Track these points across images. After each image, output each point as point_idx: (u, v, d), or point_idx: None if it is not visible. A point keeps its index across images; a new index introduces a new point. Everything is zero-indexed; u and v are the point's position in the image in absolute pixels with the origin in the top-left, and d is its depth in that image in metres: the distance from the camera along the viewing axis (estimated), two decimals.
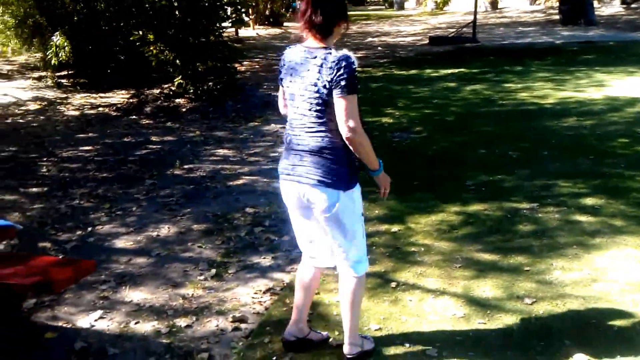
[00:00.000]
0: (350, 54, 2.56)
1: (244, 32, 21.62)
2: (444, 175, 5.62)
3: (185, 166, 6.25)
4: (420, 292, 3.53)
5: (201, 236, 4.52)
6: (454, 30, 19.04)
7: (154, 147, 7.08)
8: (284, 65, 2.75)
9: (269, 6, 26.32)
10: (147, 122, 8.40)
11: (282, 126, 7.76)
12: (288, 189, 2.75)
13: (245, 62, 13.20)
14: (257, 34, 22.89)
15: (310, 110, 2.61)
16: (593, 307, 3.28)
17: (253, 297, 3.60)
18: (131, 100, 9.43)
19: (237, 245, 4.32)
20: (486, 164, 5.74)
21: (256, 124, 8.03)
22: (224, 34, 10.10)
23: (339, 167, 2.63)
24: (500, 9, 28.15)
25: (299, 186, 2.68)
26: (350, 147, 2.60)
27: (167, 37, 9.01)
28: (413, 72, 12.17)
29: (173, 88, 9.24)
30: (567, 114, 7.73)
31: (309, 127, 2.63)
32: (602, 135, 6.70)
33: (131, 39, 9.25)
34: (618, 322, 3.13)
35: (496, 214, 4.65)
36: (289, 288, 3.64)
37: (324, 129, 2.60)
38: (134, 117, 8.72)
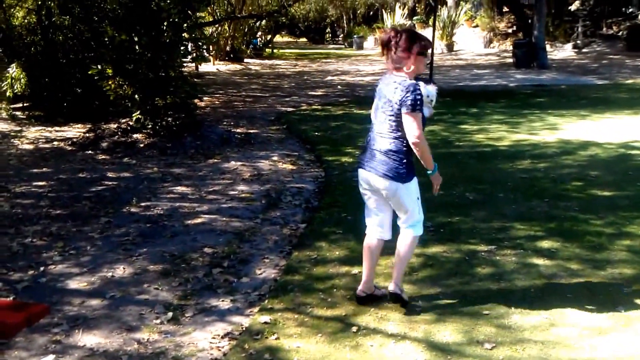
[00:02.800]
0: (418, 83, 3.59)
1: (204, 68, 21.61)
2: None
3: (142, 204, 6.13)
4: (381, 337, 3.50)
5: (157, 277, 4.42)
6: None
7: (110, 183, 6.94)
8: (378, 85, 3.76)
9: (229, 42, 26.45)
10: (104, 157, 8.25)
11: (242, 163, 7.74)
12: (364, 175, 3.74)
13: (205, 98, 13.15)
14: (217, 69, 22.92)
15: (385, 121, 3.61)
16: (552, 352, 3.31)
17: (211, 342, 3.52)
18: (87, 134, 9.26)
19: (195, 287, 4.23)
20: (445, 205, 5.80)
21: (215, 161, 7.97)
22: (184, 69, 10.06)
23: (398, 166, 3.61)
24: (455, 51, 28.91)
25: (369, 174, 3.68)
26: (415, 151, 3.55)
27: (126, 71, 8.92)
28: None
29: (131, 123, 9.12)
30: (521, 157, 7.91)
31: (382, 134, 3.63)
32: (556, 178, 6.86)
33: (89, 72, 9.13)
34: None
35: (455, 256, 4.68)
36: (248, 333, 3.57)
37: (393, 136, 3.58)
38: (89, 152, 8.55)
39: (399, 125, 3.55)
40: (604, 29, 28.08)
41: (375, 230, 3.88)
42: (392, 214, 3.87)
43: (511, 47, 23.70)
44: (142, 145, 8.59)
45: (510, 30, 29.65)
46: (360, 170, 3.77)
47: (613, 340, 3.41)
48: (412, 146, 3.52)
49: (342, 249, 4.85)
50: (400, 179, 3.61)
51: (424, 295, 4.02)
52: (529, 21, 22.47)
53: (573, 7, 29.12)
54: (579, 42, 26.75)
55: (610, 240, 4.92)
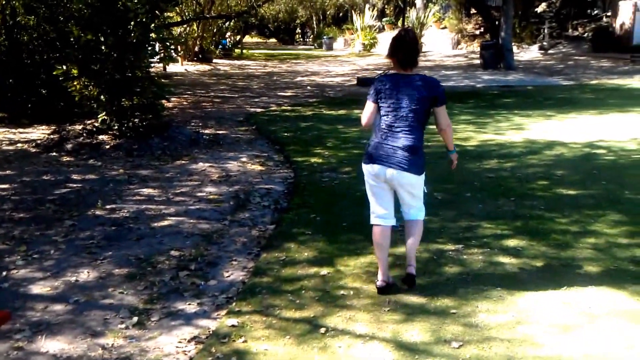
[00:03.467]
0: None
1: (172, 68, 21.43)
2: None
3: (108, 206, 6.03)
4: (349, 338, 3.49)
5: (123, 281, 4.34)
6: (382, 71, 19.50)
7: (75, 185, 6.82)
8: (383, 87, 3.95)
9: (198, 43, 26.26)
10: (68, 159, 8.11)
11: (210, 164, 7.67)
12: (381, 172, 3.92)
13: (173, 99, 13.03)
14: (185, 70, 22.75)
15: (407, 117, 3.87)
16: (518, 350, 3.33)
17: (177, 347, 3.47)
18: (52, 136, 9.09)
19: (161, 291, 4.17)
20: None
21: (183, 162, 7.89)
22: (152, 70, 9.95)
23: (419, 160, 3.92)
24: (424, 52, 29.12)
25: (390, 170, 3.89)
26: (445, 136, 4.04)
27: (91, 72, 8.79)
28: (342, 112, 12.33)
29: (96, 124, 8.98)
30: (488, 157, 7.99)
31: (404, 130, 3.88)
32: (522, 177, 6.94)
33: (54, 73, 8.97)
34: None
35: (423, 255, 4.69)
36: (215, 336, 3.53)
37: (415, 132, 3.90)
38: (54, 154, 8.40)
39: (421, 121, 3.89)
40: (570, 30, 28.58)
41: (389, 219, 4.09)
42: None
43: (479, 49, 23.98)
44: (107, 146, 8.46)
45: (477, 32, 30.01)
46: (376, 166, 3.93)
47: (578, 338, 3.45)
48: (445, 131, 4.00)
49: (311, 250, 4.84)
50: (421, 172, 3.97)
51: (392, 295, 4.02)
52: (496, 23, 22.74)
53: (539, 9, 29.58)
54: (545, 43, 27.18)
55: (576, 238, 4.99)
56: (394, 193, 4.06)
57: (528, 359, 3.24)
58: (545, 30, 27.60)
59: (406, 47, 3.88)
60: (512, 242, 4.93)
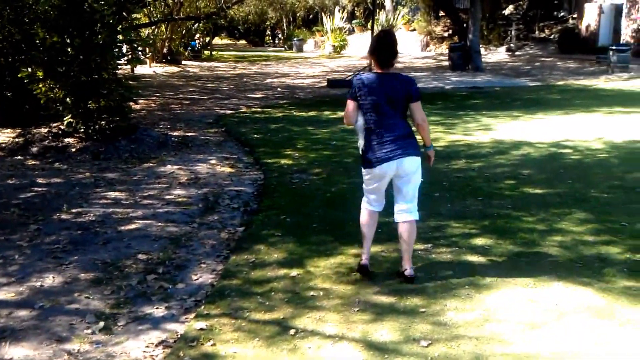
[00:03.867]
0: None
1: (140, 70, 21.20)
2: (343, 217, 5.65)
3: (74, 210, 5.93)
4: (318, 339, 3.48)
5: (89, 286, 4.27)
6: (351, 73, 19.57)
7: (40, 189, 6.69)
8: (364, 86, 4.13)
9: (166, 44, 26.04)
10: (33, 162, 7.96)
11: (179, 167, 7.60)
12: (388, 169, 4.11)
13: (140, 101, 12.90)
14: (154, 71, 22.53)
15: (397, 111, 4.12)
16: (486, 348, 3.36)
17: (144, 351, 3.42)
18: (17, 139, 8.91)
19: (128, 295, 4.11)
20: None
21: (151, 164, 7.80)
22: (119, 72, 9.83)
23: (417, 143, 4.19)
24: None
25: (403, 160, 4.07)
26: (421, 131, 4.18)
27: (57, 74, 8.64)
28: (312, 113, 12.34)
29: (62, 127, 8.83)
30: (456, 157, 8.06)
31: (396, 122, 4.11)
32: (489, 177, 7.01)
33: (19, 75, 8.80)
34: None
35: (392, 255, 4.71)
36: (184, 340, 3.49)
37: (405, 121, 4.16)
38: (19, 157, 8.23)
39: (402, 114, 4.15)
40: (537, 32, 29.03)
41: (376, 206, 4.38)
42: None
43: (447, 51, 24.22)
44: (73, 149, 8.32)
45: (446, 34, 30.29)
46: (383, 166, 4.11)
47: (546, 335, 3.49)
48: (422, 125, 4.16)
49: (280, 252, 4.82)
50: (420, 152, 4.21)
51: (361, 295, 4.02)
52: (464, 25, 23.01)
53: (507, 12, 29.98)
54: (512, 45, 27.56)
55: (542, 236, 5.05)
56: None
57: (496, 357, 3.27)
58: (512, 32, 27.99)
59: (386, 47, 4.12)
60: (480, 241, 4.97)
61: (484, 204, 5.99)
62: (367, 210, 4.38)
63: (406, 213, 4.24)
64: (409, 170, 4.13)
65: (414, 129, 4.20)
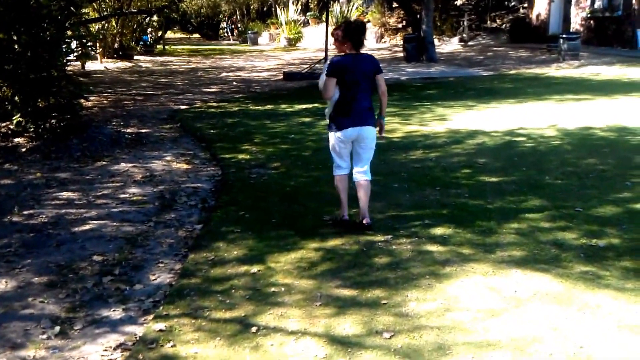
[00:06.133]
0: None
1: (91, 66, 20.74)
2: (302, 211, 5.63)
3: (25, 212, 5.75)
4: (281, 336, 3.44)
5: (43, 290, 4.14)
6: (307, 66, 19.52)
7: None
8: (342, 65, 4.91)
9: (118, 39, 25.51)
10: None
11: (133, 165, 7.44)
12: (357, 131, 4.95)
13: (92, 98, 12.59)
14: (105, 67, 22.05)
15: (367, 86, 4.96)
16: (448, 337, 3.37)
17: (102, 355, 3.33)
18: None
19: (84, 298, 3.99)
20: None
21: (104, 163, 7.60)
22: (69, 68, 9.57)
23: (373, 115, 5.07)
24: None
25: (363, 128, 4.95)
26: (383, 100, 5.07)
27: (4, 72, 8.36)
28: (269, 107, 12.25)
29: (11, 127, 8.55)
30: (414, 147, 8.11)
31: (365, 96, 4.97)
32: (446, 166, 7.07)
33: None
34: (473, 351, 3.23)
35: (353, 247, 4.70)
36: (142, 342, 3.41)
37: (370, 96, 5.00)
38: None
39: (371, 88, 4.96)
40: (488, 22, 29.46)
41: (348, 169, 5.14)
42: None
43: (401, 42, 24.38)
44: (24, 149, 8.07)
45: (400, 26, 30.48)
46: (349, 130, 4.94)
47: (506, 322, 3.53)
48: (385, 94, 5.04)
49: (240, 248, 4.75)
50: (374, 123, 5.09)
51: (323, 289, 4.00)
52: (418, 16, 23.16)
53: (459, 2, 30.32)
54: (464, 35, 27.91)
55: (499, 224, 5.12)
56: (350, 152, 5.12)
57: (458, 346, 3.29)
58: (465, 23, 28.34)
59: (358, 31, 4.96)
60: (439, 231, 5.00)
61: (442, 193, 6.03)
62: (339, 175, 5.13)
63: (364, 174, 5.09)
64: (369, 136, 4.99)
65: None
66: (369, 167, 5.12)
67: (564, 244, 4.66)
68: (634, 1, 22.04)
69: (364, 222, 5.01)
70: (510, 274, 4.16)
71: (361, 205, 5.07)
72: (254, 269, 4.36)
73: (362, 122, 4.94)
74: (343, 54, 4.99)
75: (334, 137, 5.05)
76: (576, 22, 25.14)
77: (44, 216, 5.62)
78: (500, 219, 5.25)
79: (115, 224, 5.39)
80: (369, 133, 5.00)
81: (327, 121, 5.16)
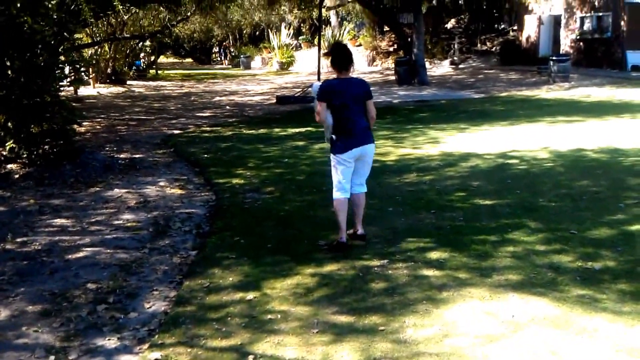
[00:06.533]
0: None
1: (84, 91, 20.76)
2: (298, 235, 5.61)
3: (18, 239, 5.70)
4: None
5: (37, 318, 4.09)
6: (300, 89, 19.62)
7: None
8: (334, 89, 5.11)
9: (110, 64, 25.59)
10: None
11: (127, 190, 7.41)
12: (361, 150, 5.13)
13: (85, 123, 12.60)
14: (98, 92, 22.09)
15: (360, 108, 5.16)
16: None
17: None
18: None
19: (78, 327, 3.95)
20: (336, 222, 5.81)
21: (98, 189, 7.57)
22: (62, 94, 9.57)
23: (371, 133, 5.28)
24: None
25: (366, 146, 5.15)
26: (372, 123, 5.28)
27: None
28: (262, 131, 12.28)
29: (4, 153, 8.52)
30: (407, 170, 8.13)
31: (360, 117, 5.16)
32: (440, 189, 7.08)
33: None
34: None
35: (349, 273, 4.68)
36: None
37: (365, 116, 5.21)
38: None
39: (363, 110, 5.17)
40: (479, 45, 29.77)
41: (348, 192, 5.24)
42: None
43: (393, 65, 24.58)
44: (17, 176, 8.04)
45: (391, 49, 30.76)
46: (354, 150, 5.11)
47: (504, 347, 3.50)
48: (373, 119, 5.26)
49: (236, 275, 4.72)
50: (374, 141, 5.33)
51: (320, 316, 3.97)
52: (409, 40, 23.38)
53: (449, 25, 30.66)
54: (455, 58, 28.17)
55: (495, 247, 5.11)
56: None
57: None
58: (455, 46, 28.64)
59: (343, 55, 5.13)
60: (435, 255, 4.99)
61: (437, 216, 6.03)
62: (340, 199, 5.20)
63: (361, 187, 5.33)
64: (370, 153, 5.24)
65: None
66: (366, 179, 5.40)
67: (560, 267, 4.65)
68: (622, 23, 22.36)
69: (358, 232, 5.30)
70: (507, 298, 4.14)
71: (357, 217, 5.33)
72: (250, 295, 4.33)
73: (364, 140, 5.15)
74: (335, 77, 5.19)
75: (339, 159, 5.15)
76: (566, 44, 25.44)
77: (37, 243, 5.58)
78: (495, 242, 5.25)
79: (109, 251, 5.35)
80: (370, 150, 5.24)
81: (328, 145, 5.32)
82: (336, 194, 5.21)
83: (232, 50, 46.18)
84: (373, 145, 5.27)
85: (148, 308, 4.24)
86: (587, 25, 24.33)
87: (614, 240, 5.19)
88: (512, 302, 4.07)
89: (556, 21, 26.29)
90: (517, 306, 4.01)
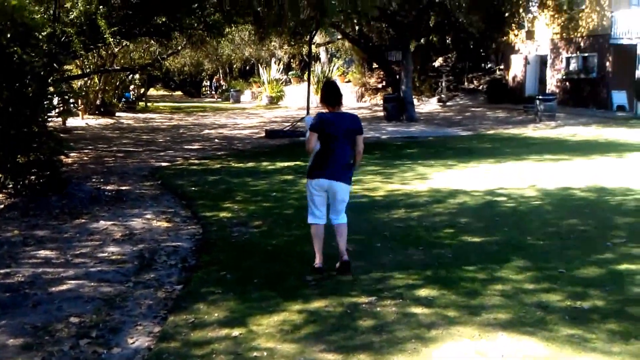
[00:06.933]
0: None
1: (72, 122, 20.71)
2: (285, 270, 5.55)
3: (1, 271, 5.59)
4: None
5: (18, 352, 3.99)
6: (289, 124, 19.70)
7: None
8: (324, 122, 5.32)
9: (100, 96, 25.62)
10: None
11: (113, 222, 7.33)
12: (328, 183, 5.31)
13: (72, 154, 12.53)
14: (87, 123, 22.07)
15: (346, 143, 5.35)
16: None
17: None
18: None
19: None
20: (325, 258, 5.73)
21: (83, 221, 7.48)
22: (50, 124, 9.53)
23: (351, 174, 5.49)
24: None
25: (333, 182, 5.30)
26: (358, 158, 5.49)
27: None
28: (250, 164, 12.27)
29: None
30: (395, 206, 8.12)
31: (344, 152, 5.35)
32: (429, 226, 7.07)
33: None
34: None
35: (337, 310, 4.62)
36: None
37: (350, 153, 5.41)
38: None
39: (350, 145, 5.36)
40: (466, 83, 30.17)
41: (323, 219, 5.46)
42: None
43: (382, 101, 24.79)
44: (1, 206, 7.94)
45: (380, 85, 31.08)
46: (322, 180, 5.31)
47: None
48: (360, 153, 5.44)
49: (221, 310, 4.65)
50: (350, 182, 5.48)
51: (307, 354, 3.90)
52: (397, 77, 23.66)
53: (436, 64, 31.08)
54: (443, 96, 28.50)
55: (484, 285, 5.08)
56: (327, 201, 5.44)
57: None
58: (443, 84, 28.99)
59: (334, 91, 5.43)
60: (423, 292, 4.95)
61: (425, 253, 6.01)
62: (314, 225, 5.45)
63: (338, 219, 5.46)
64: (339, 191, 5.35)
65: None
66: (343, 212, 5.48)
67: (549, 306, 4.62)
68: (607, 63, 22.77)
69: (343, 259, 5.38)
70: (496, 337, 4.10)
71: (339, 247, 5.42)
72: (235, 332, 4.26)
73: (334, 177, 5.29)
74: (327, 111, 5.43)
75: (309, 184, 5.44)
76: (552, 83, 25.84)
77: (20, 275, 5.48)
78: (484, 280, 5.22)
79: (93, 284, 5.26)
80: (339, 188, 5.34)
81: None
82: (309, 219, 5.50)
83: (222, 83, 46.45)
84: (344, 185, 5.36)
85: (131, 343, 4.15)
86: (573, 66, 24.77)
87: (602, 280, 5.18)
88: (501, 342, 4.03)
89: (542, 61, 26.75)
90: (507, 345, 3.97)
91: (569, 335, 4.10)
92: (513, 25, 22.82)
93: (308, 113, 18.09)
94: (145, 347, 4.09)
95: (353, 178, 5.61)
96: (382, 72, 29.60)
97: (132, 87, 32.33)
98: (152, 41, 18.28)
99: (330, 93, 5.42)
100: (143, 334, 4.30)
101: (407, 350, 3.93)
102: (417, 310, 4.59)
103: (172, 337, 4.20)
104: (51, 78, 9.01)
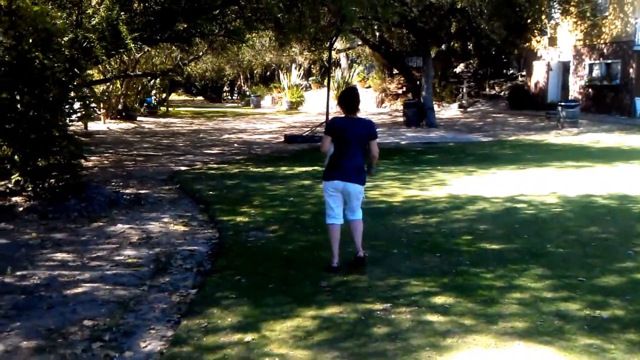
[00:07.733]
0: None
1: (94, 126, 20.96)
2: (300, 276, 5.52)
3: (18, 273, 5.63)
4: None
5: (31, 355, 4.00)
6: (309, 129, 19.70)
7: None
8: (339, 127, 5.59)
9: (121, 100, 25.87)
10: None
11: (130, 226, 7.36)
12: (342, 185, 5.55)
13: (92, 158, 12.65)
14: (108, 128, 22.28)
15: (359, 147, 5.59)
16: None
17: None
18: None
19: None
20: (341, 263, 5.72)
21: (101, 224, 7.52)
22: (71, 128, 9.61)
23: (365, 176, 5.71)
24: None
25: (348, 184, 5.54)
26: (374, 160, 5.79)
27: (5, 131, 8.38)
28: (269, 169, 12.27)
29: (10, 185, 8.52)
30: (414, 212, 8.04)
31: (357, 156, 5.58)
32: (447, 232, 6.99)
33: None
34: None
35: (351, 316, 4.57)
36: None
37: (362, 156, 5.61)
38: None
39: (363, 149, 5.59)
40: (487, 89, 29.95)
41: (340, 219, 5.67)
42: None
43: (402, 107, 24.71)
44: (21, 209, 8.01)
45: (400, 91, 30.99)
46: (336, 182, 5.56)
47: None
48: (375, 157, 5.73)
49: (235, 315, 4.62)
50: (364, 183, 5.71)
51: None
52: (418, 83, 23.56)
53: (458, 70, 30.90)
54: (464, 102, 28.31)
55: (501, 293, 5.00)
56: (343, 201, 5.66)
57: None
58: (464, 90, 28.80)
59: (352, 98, 5.62)
60: (439, 300, 4.88)
61: (442, 260, 5.93)
62: (331, 225, 5.66)
63: (353, 214, 5.70)
64: (354, 192, 5.59)
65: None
66: (359, 209, 5.73)
67: (567, 315, 4.53)
68: (631, 70, 22.46)
69: (358, 255, 5.67)
70: (513, 346, 4.02)
71: (355, 243, 5.70)
72: (248, 337, 4.23)
73: (347, 178, 5.53)
74: (344, 116, 5.67)
75: (325, 186, 5.68)
76: (574, 90, 25.55)
77: (36, 277, 5.51)
78: (502, 288, 5.13)
79: (108, 287, 5.27)
80: (353, 188, 5.58)
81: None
82: (327, 219, 5.72)
83: (242, 89, 46.67)
84: (357, 186, 5.59)
85: (144, 347, 4.14)
86: (596, 72, 24.47)
87: (623, 289, 5.07)
88: (517, 351, 3.95)
89: (565, 67, 26.47)
90: (523, 355, 3.89)
91: (587, 345, 4.01)
92: (535, 31, 22.60)
93: (327, 118, 18.08)
94: (157, 351, 4.08)
95: (371, 183, 5.64)
96: (402, 78, 29.50)
97: (153, 91, 32.59)
98: (174, 47, 18.40)
99: (347, 99, 5.63)
100: (156, 338, 4.28)
101: (421, 359, 3.87)
102: (433, 317, 4.52)
103: (184, 341, 4.18)
104: (73, 83, 9.07)
